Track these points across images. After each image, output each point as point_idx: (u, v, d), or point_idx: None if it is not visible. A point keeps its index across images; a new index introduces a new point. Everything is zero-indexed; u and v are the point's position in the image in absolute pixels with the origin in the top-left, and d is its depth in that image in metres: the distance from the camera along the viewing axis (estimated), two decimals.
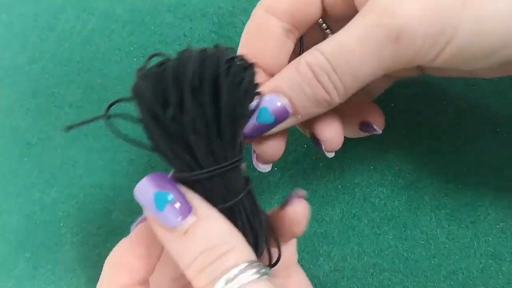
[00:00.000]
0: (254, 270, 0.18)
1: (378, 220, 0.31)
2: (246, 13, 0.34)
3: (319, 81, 0.21)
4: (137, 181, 0.35)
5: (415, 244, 0.30)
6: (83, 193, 0.34)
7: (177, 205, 0.18)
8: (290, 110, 0.22)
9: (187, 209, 0.18)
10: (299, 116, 0.22)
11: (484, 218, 0.30)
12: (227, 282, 0.17)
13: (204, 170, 0.19)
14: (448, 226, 0.30)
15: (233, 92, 0.18)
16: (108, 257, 0.22)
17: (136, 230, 0.22)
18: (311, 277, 0.31)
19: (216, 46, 0.19)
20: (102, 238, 0.34)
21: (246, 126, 0.21)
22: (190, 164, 0.19)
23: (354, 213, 0.31)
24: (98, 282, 0.22)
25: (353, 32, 0.20)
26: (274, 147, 0.24)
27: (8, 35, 0.38)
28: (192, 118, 0.18)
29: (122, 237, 0.34)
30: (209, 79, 0.18)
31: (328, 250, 0.31)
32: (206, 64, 0.18)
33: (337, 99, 0.21)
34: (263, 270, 0.18)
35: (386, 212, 0.31)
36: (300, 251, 0.31)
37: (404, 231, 0.31)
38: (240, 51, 0.24)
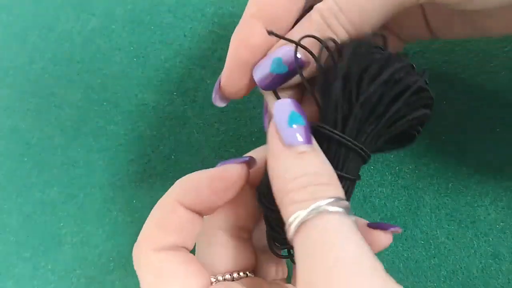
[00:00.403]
0: (344, 207, 0.18)
1: (378, 220, 0.31)
2: None
3: (327, 24, 0.21)
4: (137, 181, 0.35)
5: (415, 244, 0.30)
6: (83, 193, 0.34)
7: (306, 129, 0.20)
8: (303, 58, 0.21)
9: (309, 139, 0.20)
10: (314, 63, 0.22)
11: (484, 218, 0.30)
12: (317, 207, 0.18)
13: (342, 135, 0.20)
14: (448, 226, 0.30)
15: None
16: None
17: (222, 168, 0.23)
18: None
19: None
20: (102, 238, 0.34)
21: (259, 75, 0.22)
22: (336, 122, 0.20)
23: (354, 213, 0.31)
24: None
25: None
26: (240, 82, 0.24)
27: (8, 35, 0.38)
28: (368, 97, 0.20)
29: (122, 237, 0.34)
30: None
31: None
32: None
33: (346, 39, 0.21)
34: (350, 212, 0.19)
35: (386, 212, 0.31)
36: None
37: (404, 231, 0.31)
38: (249, 3, 0.24)
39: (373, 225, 0.24)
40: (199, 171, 0.22)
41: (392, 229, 0.24)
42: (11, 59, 0.37)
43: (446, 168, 0.31)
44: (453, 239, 0.30)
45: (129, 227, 0.34)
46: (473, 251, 0.30)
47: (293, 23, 0.23)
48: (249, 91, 0.24)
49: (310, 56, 0.21)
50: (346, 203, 0.19)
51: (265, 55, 0.23)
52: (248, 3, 0.23)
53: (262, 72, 0.22)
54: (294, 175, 0.19)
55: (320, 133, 0.21)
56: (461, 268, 0.30)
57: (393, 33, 0.26)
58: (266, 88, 0.22)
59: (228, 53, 0.23)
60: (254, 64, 0.23)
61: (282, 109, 0.20)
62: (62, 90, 0.36)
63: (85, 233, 0.34)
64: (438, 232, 0.30)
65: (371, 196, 0.31)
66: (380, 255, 0.30)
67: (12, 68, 0.37)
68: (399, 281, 0.30)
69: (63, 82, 0.36)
